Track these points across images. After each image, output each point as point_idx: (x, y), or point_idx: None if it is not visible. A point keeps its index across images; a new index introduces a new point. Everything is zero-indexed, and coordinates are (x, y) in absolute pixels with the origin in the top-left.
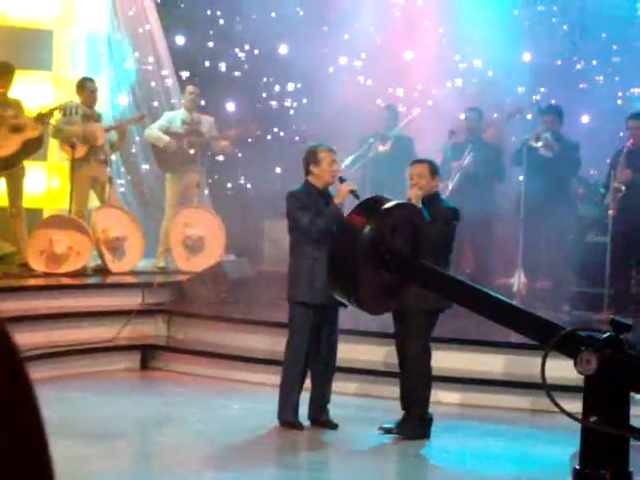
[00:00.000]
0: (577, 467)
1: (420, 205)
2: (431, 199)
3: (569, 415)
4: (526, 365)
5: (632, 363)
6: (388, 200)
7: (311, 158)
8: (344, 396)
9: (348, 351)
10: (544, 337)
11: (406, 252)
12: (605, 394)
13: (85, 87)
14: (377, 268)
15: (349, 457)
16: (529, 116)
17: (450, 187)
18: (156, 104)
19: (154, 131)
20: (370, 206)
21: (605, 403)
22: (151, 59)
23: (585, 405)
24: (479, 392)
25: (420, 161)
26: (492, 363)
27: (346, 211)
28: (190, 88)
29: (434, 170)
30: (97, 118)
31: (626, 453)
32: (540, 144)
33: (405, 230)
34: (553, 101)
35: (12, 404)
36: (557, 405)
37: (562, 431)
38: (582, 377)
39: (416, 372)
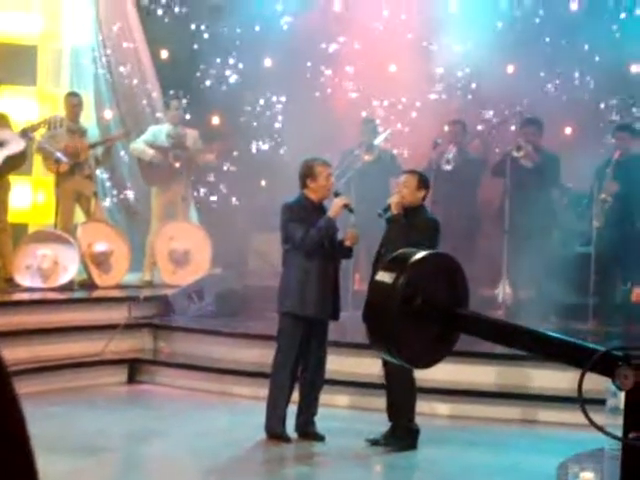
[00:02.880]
0: None
1: (397, 212)
2: (415, 210)
3: (605, 432)
4: (515, 376)
5: None
6: (417, 251)
7: (308, 172)
8: (331, 408)
9: (336, 363)
10: (580, 360)
11: (443, 301)
12: None
13: (66, 102)
14: (417, 322)
15: (336, 469)
16: (512, 127)
17: (450, 159)
18: (141, 119)
19: (139, 145)
20: (399, 259)
21: None
22: (136, 74)
23: (626, 421)
24: (468, 403)
25: (411, 171)
26: (481, 374)
27: (339, 224)
28: (174, 103)
29: (422, 183)
30: (82, 133)
31: None
32: (521, 154)
33: (442, 278)
34: (529, 115)
35: None
36: (592, 422)
37: (550, 442)
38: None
39: (400, 384)
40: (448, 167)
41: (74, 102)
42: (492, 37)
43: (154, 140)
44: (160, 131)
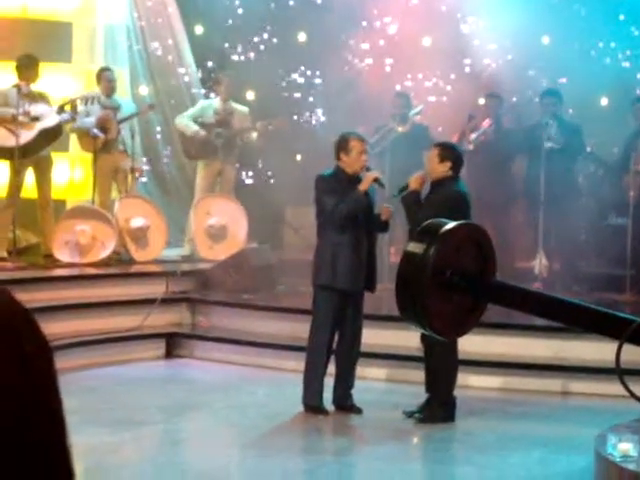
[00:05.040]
0: None
1: (415, 187)
2: (440, 183)
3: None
4: (553, 348)
5: None
6: (447, 222)
7: (342, 145)
8: (368, 381)
9: (372, 336)
10: (617, 332)
11: (474, 271)
12: None
13: (102, 77)
14: (447, 292)
15: (373, 441)
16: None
17: (472, 141)
18: (176, 94)
19: (183, 120)
20: (429, 230)
21: None
22: (171, 49)
23: None
24: (505, 375)
25: (433, 145)
26: (518, 346)
27: (377, 198)
28: (226, 79)
29: (443, 155)
30: (117, 108)
31: None
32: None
33: (471, 249)
34: (562, 80)
35: (26, 363)
36: (630, 391)
37: (588, 413)
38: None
39: (443, 355)
40: (470, 147)
41: (108, 77)
42: (527, 8)
43: (201, 115)
44: (210, 106)
